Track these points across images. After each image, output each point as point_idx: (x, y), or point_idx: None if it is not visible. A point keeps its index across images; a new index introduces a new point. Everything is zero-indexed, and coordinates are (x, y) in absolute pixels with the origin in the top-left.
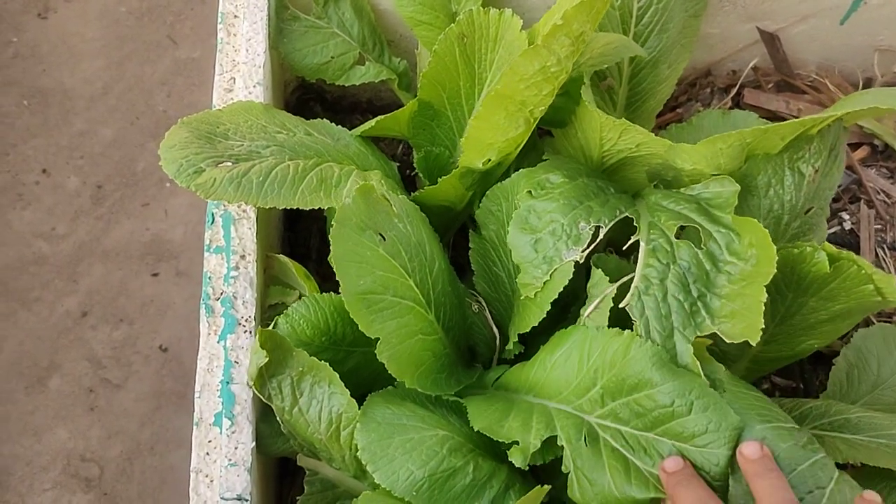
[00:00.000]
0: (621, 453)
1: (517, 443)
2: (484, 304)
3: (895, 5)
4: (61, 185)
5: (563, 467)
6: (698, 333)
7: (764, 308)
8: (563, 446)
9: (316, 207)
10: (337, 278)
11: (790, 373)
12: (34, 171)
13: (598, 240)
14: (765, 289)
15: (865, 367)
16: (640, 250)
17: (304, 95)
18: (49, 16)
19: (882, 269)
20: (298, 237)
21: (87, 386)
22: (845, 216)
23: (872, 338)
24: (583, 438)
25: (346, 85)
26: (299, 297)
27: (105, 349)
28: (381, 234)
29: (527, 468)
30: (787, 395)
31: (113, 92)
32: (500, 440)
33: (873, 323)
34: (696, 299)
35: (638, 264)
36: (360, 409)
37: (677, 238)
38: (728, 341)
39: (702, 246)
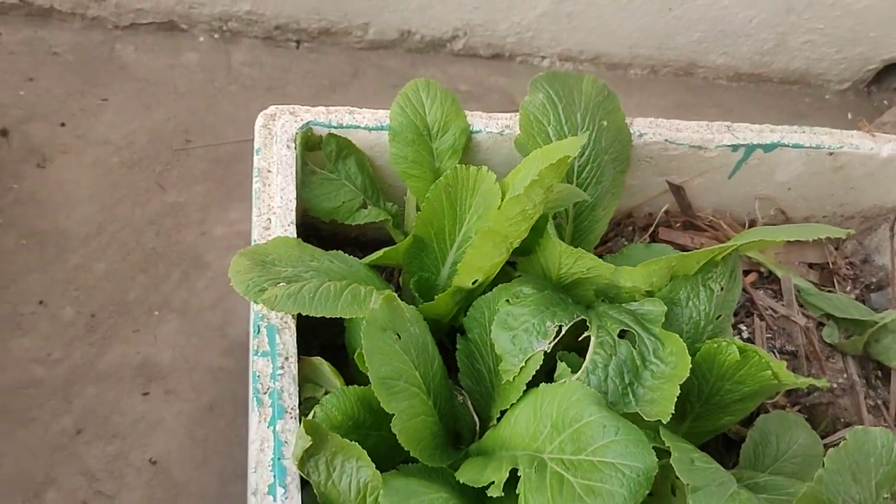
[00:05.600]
0: (560, 474)
1: (493, 483)
2: (467, 396)
3: (769, 164)
4: (57, 315)
5: (516, 491)
6: (625, 410)
7: (686, 396)
8: (520, 476)
9: (351, 316)
10: (365, 366)
11: (710, 454)
12: (32, 302)
13: (560, 336)
14: (679, 386)
15: (767, 443)
16: (591, 343)
17: (303, 232)
18: (47, 165)
19: None
20: (300, 347)
21: (82, 499)
22: (743, 328)
23: (771, 421)
24: (533, 467)
25: (352, 224)
26: (325, 392)
27: (99, 463)
28: (397, 334)
29: (502, 494)
30: None
31: (106, 231)
32: (479, 486)
33: (769, 410)
34: (627, 385)
35: (589, 352)
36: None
37: (619, 338)
38: (646, 419)
39: (635, 347)
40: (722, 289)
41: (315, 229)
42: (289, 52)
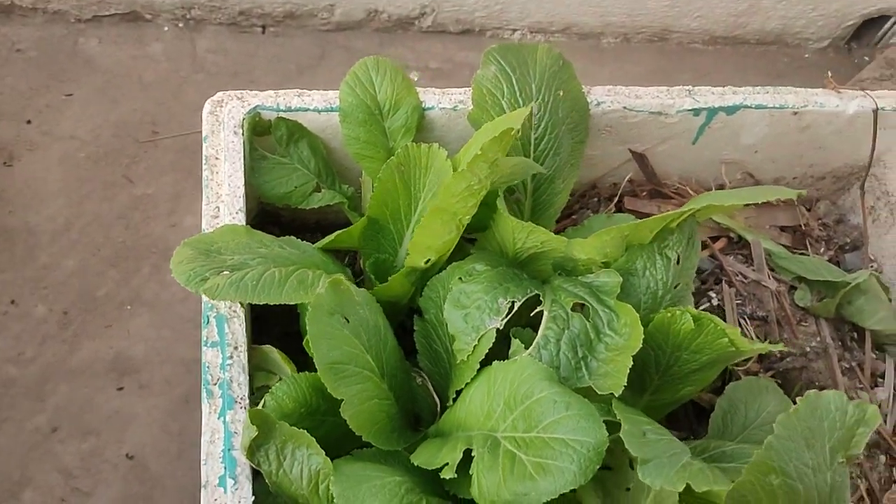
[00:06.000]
0: (512, 452)
1: (447, 464)
2: (426, 377)
3: (732, 127)
4: (28, 314)
5: (470, 470)
6: (578, 385)
7: (644, 367)
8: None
9: (297, 302)
10: (311, 351)
11: (680, 425)
12: (2, 302)
13: (512, 312)
14: (631, 358)
15: (736, 411)
16: (543, 317)
17: (263, 220)
18: (14, 163)
19: (745, 335)
20: (261, 332)
21: (59, 496)
22: (713, 295)
23: (741, 389)
24: (486, 446)
25: (307, 208)
26: (279, 380)
27: (74, 460)
28: (346, 318)
29: (455, 475)
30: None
31: (74, 227)
32: (434, 468)
33: (741, 376)
34: (581, 359)
35: (541, 326)
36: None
37: (573, 311)
38: (599, 392)
39: (589, 320)
40: (679, 256)
41: (275, 216)
42: (254, 37)
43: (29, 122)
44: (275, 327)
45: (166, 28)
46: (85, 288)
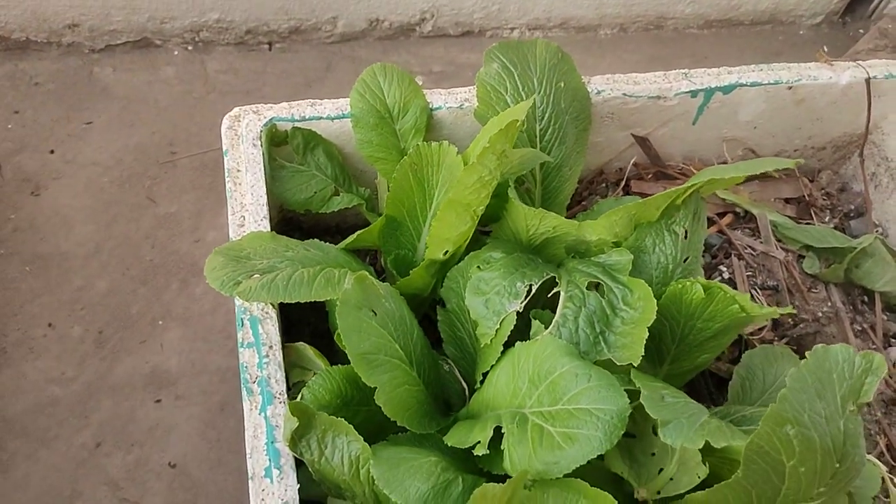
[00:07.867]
0: (539, 425)
1: (479, 442)
2: (452, 364)
3: (730, 106)
4: (66, 335)
5: (501, 445)
6: (598, 358)
7: (660, 339)
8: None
9: (326, 299)
10: (343, 344)
11: (700, 396)
12: (41, 325)
13: (531, 294)
14: (647, 329)
15: (754, 378)
16: (560, 298)
17: (285, 226)
18: (41, 193)
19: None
20: (293, 335)
21: None
22: (723, 269)
23: (757, 356)
24: (515, 422)
25: (327, 212)
26: (314, 375)
27: (120, 472)
28: (373, 311)
29: (487, 452)
30: None
31: (104, 250)
32: (467, 447)
33: (756, 346)
34: (599, 334)
35: (559, 306)
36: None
37: (588, 290)
38: (618, 363)
39: (604, 297)
40: (686, 231)
41: (296, 223)
42: (262, 54)
43: (52, 151)
44: (304, 329)
45: (176, 52)
46: (118, 307)
